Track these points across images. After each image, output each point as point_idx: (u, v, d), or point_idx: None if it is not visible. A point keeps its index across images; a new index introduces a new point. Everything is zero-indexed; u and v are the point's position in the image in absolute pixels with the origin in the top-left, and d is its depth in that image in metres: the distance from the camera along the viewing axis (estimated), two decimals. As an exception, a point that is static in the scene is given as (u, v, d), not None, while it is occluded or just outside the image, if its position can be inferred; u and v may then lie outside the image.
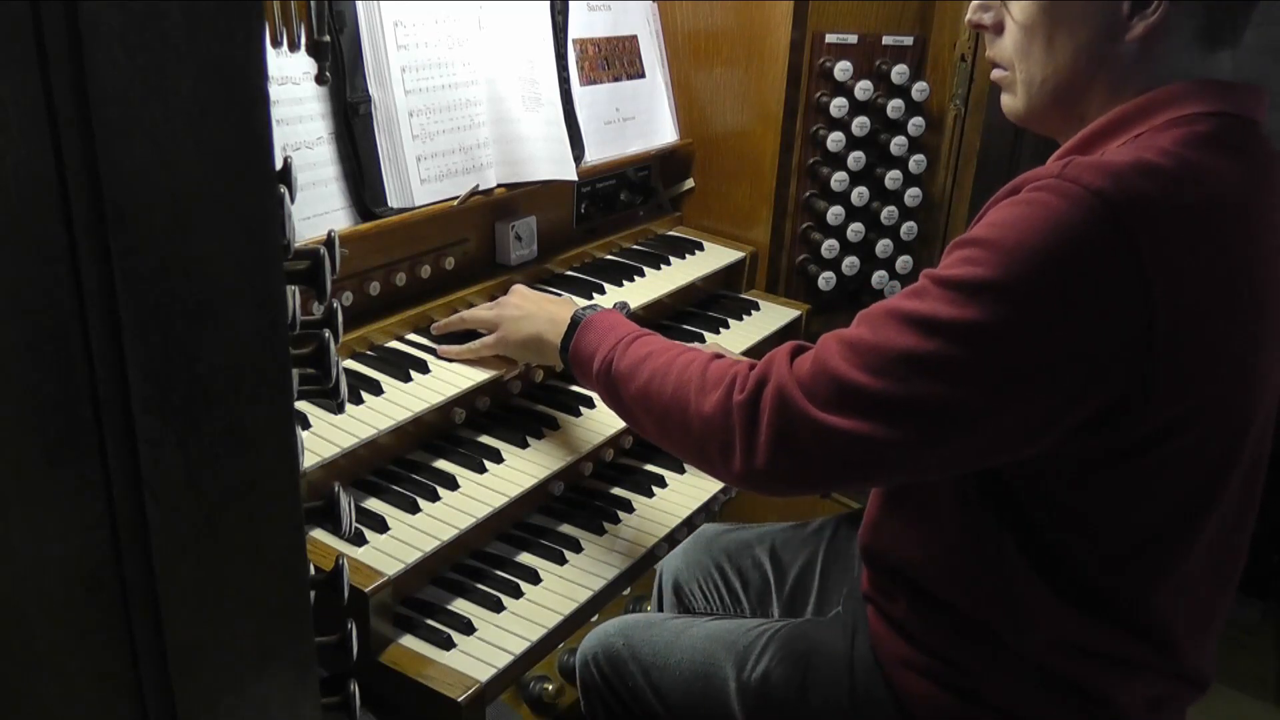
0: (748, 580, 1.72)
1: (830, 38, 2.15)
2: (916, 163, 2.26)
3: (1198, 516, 1.15)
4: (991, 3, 1.21)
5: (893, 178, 2.23)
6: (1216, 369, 1.06)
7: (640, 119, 2.20)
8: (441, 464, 1.56)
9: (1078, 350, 1.00)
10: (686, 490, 1.70)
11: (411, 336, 1.73)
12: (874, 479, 1.18)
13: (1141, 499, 1.12)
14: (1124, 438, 1.06)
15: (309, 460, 1.37)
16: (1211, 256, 1.03)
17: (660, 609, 1.83)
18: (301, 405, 1.41)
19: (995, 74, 1.24)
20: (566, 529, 1.60)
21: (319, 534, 1.34)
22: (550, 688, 1.93)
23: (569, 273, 2.02)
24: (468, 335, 1.70)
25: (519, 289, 1.65)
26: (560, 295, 1.89)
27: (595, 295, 1.93)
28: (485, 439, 1.62)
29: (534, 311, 1.54)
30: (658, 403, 1.25)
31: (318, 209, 1.59)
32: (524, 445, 1.61)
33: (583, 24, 2.06)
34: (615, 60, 2.16)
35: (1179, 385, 1.03)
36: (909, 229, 2.30)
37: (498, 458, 1.58)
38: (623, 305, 1.68)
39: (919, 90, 2.20)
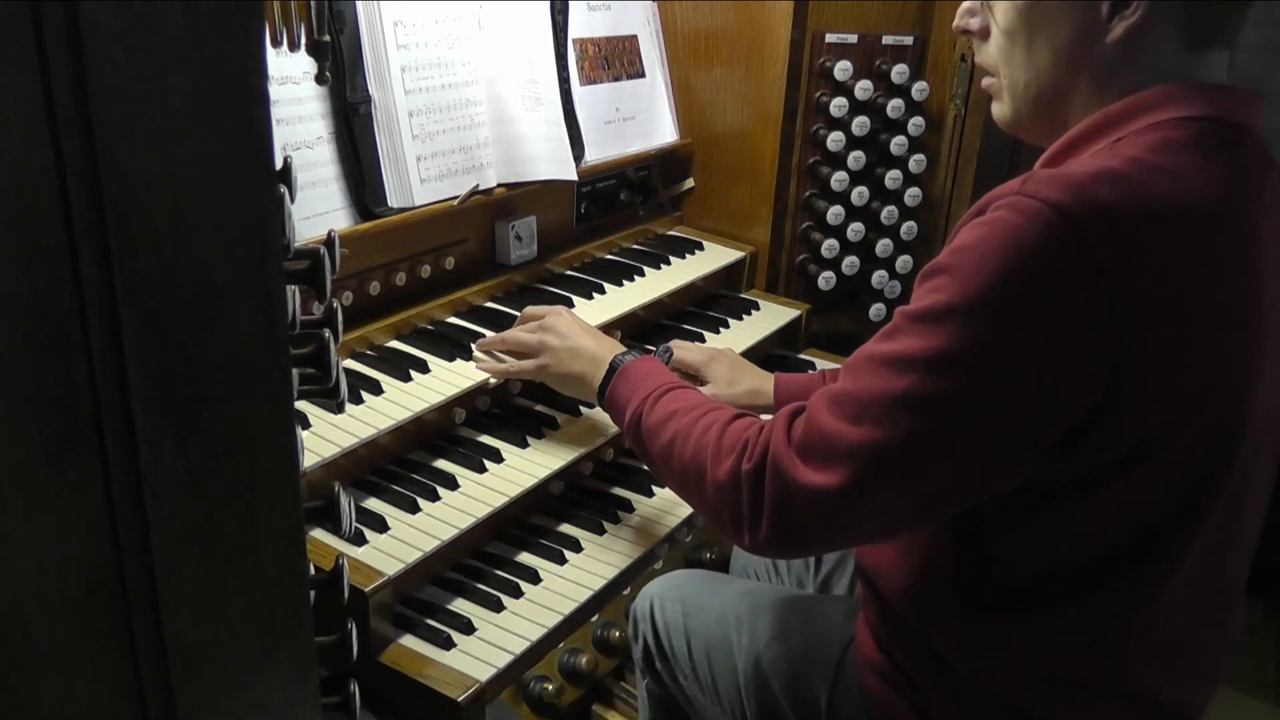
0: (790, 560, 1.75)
1: (830, 37, 2.15)
2: (916, 162, 2.25)
3: (1176, 542, 1.11)
4: (977, 8, 1.19)
5: (893, 177, 2.23)
6: (1192, 383, 1.03)
7: (640, 119, 2.20)
8: (441, 464, 1.56)
9: (1046, 366, 0.99)
10: (686, 490, 1.70)
11: (411, 336, 1.73)
12: (870, 532, 1.16)
13: (1112, 525, 1.09)
14: (1096, 458, 1.04)
15: (309, 460, 1.37)
16: (1181, 266, 1.00)
17: None
18: (301, 405, 1.41)
19: (985, 81, 1.23)
20: (566, 529, 1.60)
21: (319, 534, 1.34)
22: (550, 687, 1.93)
23: (569, 273, 2.02)
24: (452, 336, 1.70)
25: (565, 315, 1.61)
26: (561, 298, 1.89)
27: (595, 295, 1.93)
28: (485, 439, 1.62)
29: (578, 348, 1.53)
30: (678, 464, 1.26)
31: (318, 209, 1.59)
32: (524, 445, 1.61)
33: (583, 24, 2.06)
34: (615, 60, 2.16)
35: (1152, 401, 1.01)
36: (909, 229, 2.30)
37: (498, 458, 1.58)
38: (666, 350, 1.68)
39: (919, 90, 2.20)
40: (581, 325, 1.58)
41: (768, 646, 1.42)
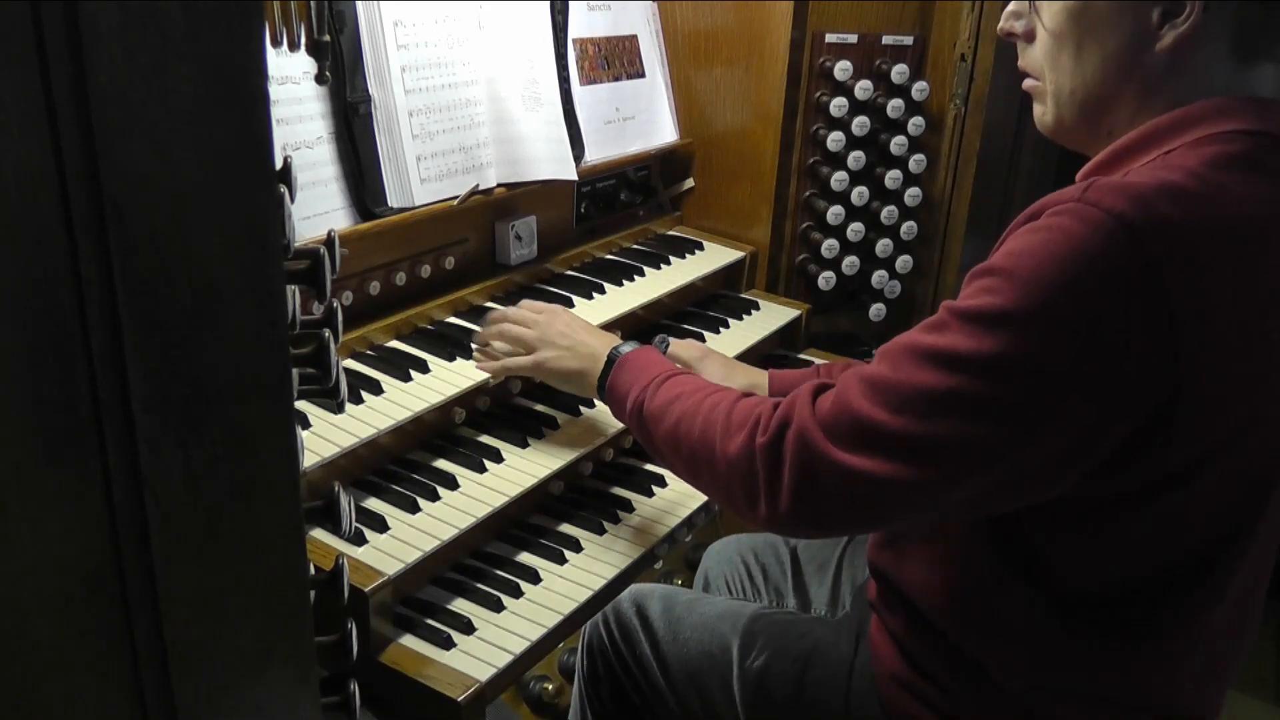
0: (768, 573, 1.74)
1: (830, 37, 2.15)
2: (916, 162, 2.25)
3: (1224, 561, 1.10)
4: (1023, 10, 1.17)
5: (893, 177, 2.23)
6: (1246, 404, 1.01)
7: (640, 119, 2.20)
8: (441, 464, 1.56)
9: (1100, 381, 0.97)
10: (686, 490, 1.70)
11: (411, 336, 1.73)
12: (900, 520, 1.15)
13: (1160, 540, 1.08)
14: (1146, 474, 1.02)
15: (309, 460, 1.37)
16: (1239, 284, 0.98)
17: None
18: (301, 405, 1.41)
19: (1027, 84, 1.20)
20: (566, 529, 1.60)
21: (319, 534, 1.34)
22: (550, 687, 1.93)
23: (569, 272, 2.02)
24: (452, 336, 1.70)
25: (562, 314, 1.60)
26: (560, 298, 1.89)
27: (595, 295, 1.93)
28: (485, 439, 1.62)
29: (575, 344, 1.52)
30: (686, 445, 1.24)
31: (318, 209, 1.59)
32: (524, 445, 1.61)
33: (583, 24, 2.06)
34: (615, 60, 2.16)
35: (1205, 418, 0.99)
36: (909, 229, 2.30)
37: (498, 457, 1.58)
38: (663, 340, 1.68)
39: (919, 90, 2.20)
40: (579, 322, 1.58)
41: (764, 668, 1.41)
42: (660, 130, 2.25)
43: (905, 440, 1.02)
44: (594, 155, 2.07)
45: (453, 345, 1.68)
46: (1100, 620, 1.13)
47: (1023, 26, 1.18)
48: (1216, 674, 1.21)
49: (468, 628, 1.37)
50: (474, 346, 1.68)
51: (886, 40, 2.18)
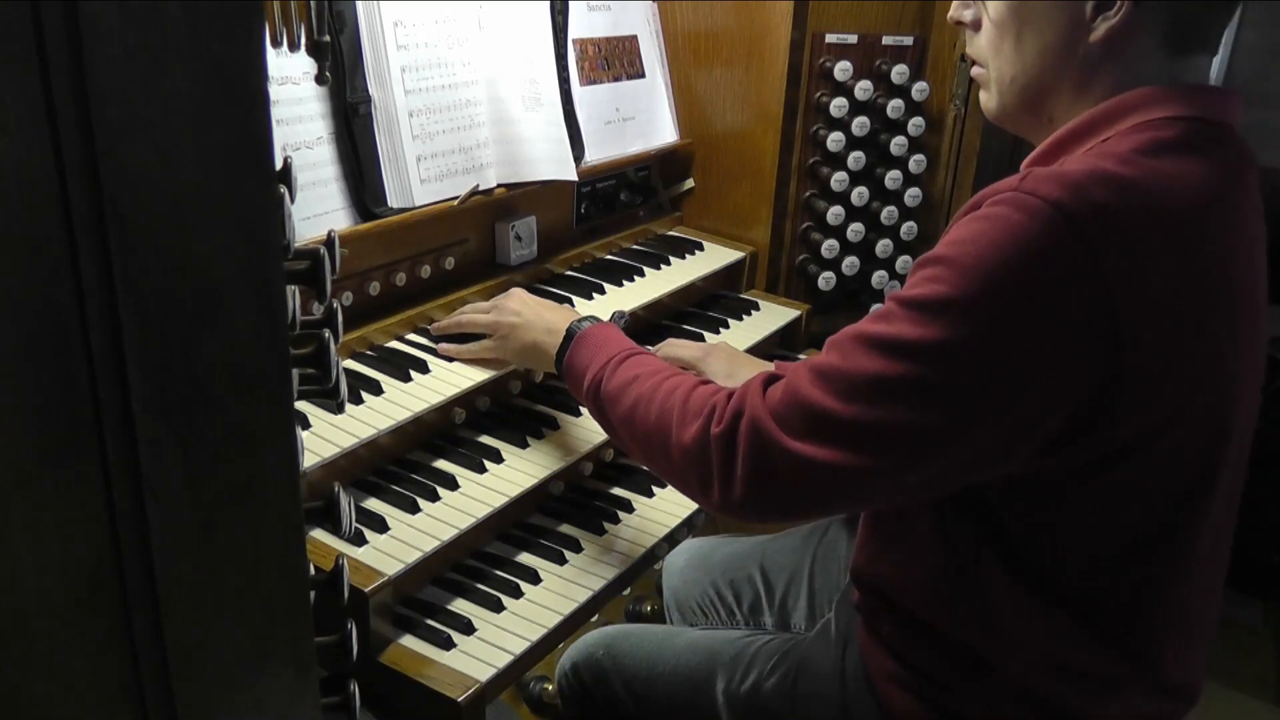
0: (740, 594, 1.72)
1: (830, 38, 2.15)
2: (916, 163, 2.26)
3: (1185, 527, 1.14)
4: (970, 0, 1.23)
5: (893, 178, 2.23)
6: (1188, 378, 1.05)
7: (640, 119, 2.20)
8: (441, 464, 1.56)
9: (1043, 364, 1.00)
10: (686, 490, 1.70)
11: (411, 336, 1.73)
12: (854, 506, 1.18)
13: (1119, 511, 1.11)
14: (1096, 450, 1.05)
15: (309, 460, 1.37)
16: (1176, 265, 1.02)
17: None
18: (301, 405, 1.41)
19: (974, 71, 1.26)
20: (566, 529, 1.60)
21: (319, 534, 1.34)
22: (550, 688, 1.93)
23: (569, 273, 2.02)
24: (467, 335, 1.70)
25: (517, 293, 1.66)
26: (560, 298, 1.89)
27: (595, 295, 1.93)
28: (485, 439, 1.62)
29: (531, 319, 1.55)
30: (641, 429, 1.26)
31: (318, 209, 1.59)
32: (524, 445, 1.61)
33: (583, 24, 2.06)
34: (615, 60, 2.16)
35: (1148, 395, 1.03)
36: (909, 229, 2.30)
37: (498, 458, 1.58)
38: (620, 315, 1.68)
39: (919, 90, 2.20)
40: (536, 299, 1.61)
41: (753, 690, 1.40)
42: (660, 130, 2.25)
43: (856, 427, 1.04)
44: (594, 155, 2.07)
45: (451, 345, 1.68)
46: (1072, 595, 1.15)
47: (970, 15, 1.24)
48: (1194, 637, 1.23)
49: (468, 628, 1.37)
50: (433, 332, 1.69)
51: (886, 41, 2.18)
